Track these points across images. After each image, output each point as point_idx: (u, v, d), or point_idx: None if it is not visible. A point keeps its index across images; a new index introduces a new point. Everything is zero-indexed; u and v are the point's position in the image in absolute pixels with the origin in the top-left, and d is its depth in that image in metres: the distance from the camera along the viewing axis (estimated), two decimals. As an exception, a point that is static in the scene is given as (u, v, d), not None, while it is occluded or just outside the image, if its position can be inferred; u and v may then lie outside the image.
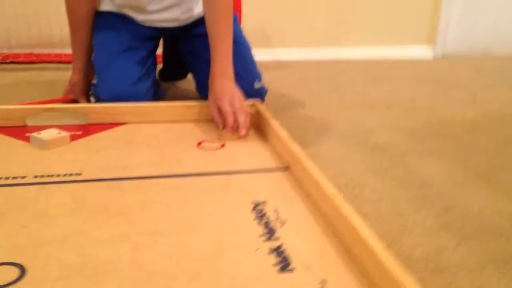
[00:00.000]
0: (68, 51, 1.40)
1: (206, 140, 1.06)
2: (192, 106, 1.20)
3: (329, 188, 0.74)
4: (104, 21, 1.33)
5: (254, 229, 0.70)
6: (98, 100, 1.25)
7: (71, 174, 0.86)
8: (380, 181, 0.98)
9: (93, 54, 1.32)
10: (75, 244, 0.65)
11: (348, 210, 0.67)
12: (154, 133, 1.10)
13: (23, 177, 0.84)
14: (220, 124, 1.09)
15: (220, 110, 1.09)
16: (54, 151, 0.97)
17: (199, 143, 1.04)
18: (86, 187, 0.82)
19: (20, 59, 2.00)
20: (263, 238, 0.68)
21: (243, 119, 1.06)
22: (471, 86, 1.90)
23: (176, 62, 1.64)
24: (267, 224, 0.71)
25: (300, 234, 0.69)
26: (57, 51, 2.02)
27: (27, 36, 2.03)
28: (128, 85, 1.23)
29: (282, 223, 0.72)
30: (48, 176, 0.85)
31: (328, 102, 1.60)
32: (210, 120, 1.14)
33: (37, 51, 2.03)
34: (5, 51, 2.00)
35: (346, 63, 2.36)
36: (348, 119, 1.40)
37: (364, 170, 1.03)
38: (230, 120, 1.06)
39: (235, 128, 1.06)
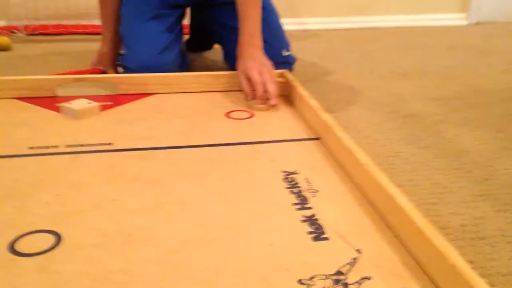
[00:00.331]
0: (96, 22, 1.39)
1: (235, 110, 1.05)
2: (220, 75, 1.18)
3: (362, 157, 0.72)
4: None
5: (286, 198, 0.69)
6: (126, 70, 1.25)
7: (102, 144, 0.87)
8: (415, 150, 0.96)
9: (121, 24, 1.32)
10: (110, 212, 0.65)
11: (382, 178, 0.65)
12: (182, 103, 1.09)
13: (55, 147, 0.85)
14: (249, 94, 1.07)
15: (249, 79, 1.07)
16: (85, 121, 0.97)
17: (228, 113, 1.03)
18: (117, 156, 0.82)
19: (49, 31, 2.01)
20: (296, 207, 0.67)
21: (272, 89, 1.04)
22: (506, 54, 1.84)
23: (203, 32, 1.62)
24: (299, 194, 0.70)
25: (334, 204, 0.68)
26: (84, 22, 2.02)
27: (55, 8, 2.04)
28: (156, 54, 1.22)
29: (315, 192, 0.71)
30: (80, 145, 0.86)
31: (359, 70, 1.56)
32: (239, 90, 1.12)
33: (65, 22, 2.04)
34: (34, 23, 2.02)
35: (376, 31, 2.30)
36: (380, 88, 1.36)
37: (398, 140, 1.01)
38: (259, 89, 1.04)
39: (265, 98, 1.05)
